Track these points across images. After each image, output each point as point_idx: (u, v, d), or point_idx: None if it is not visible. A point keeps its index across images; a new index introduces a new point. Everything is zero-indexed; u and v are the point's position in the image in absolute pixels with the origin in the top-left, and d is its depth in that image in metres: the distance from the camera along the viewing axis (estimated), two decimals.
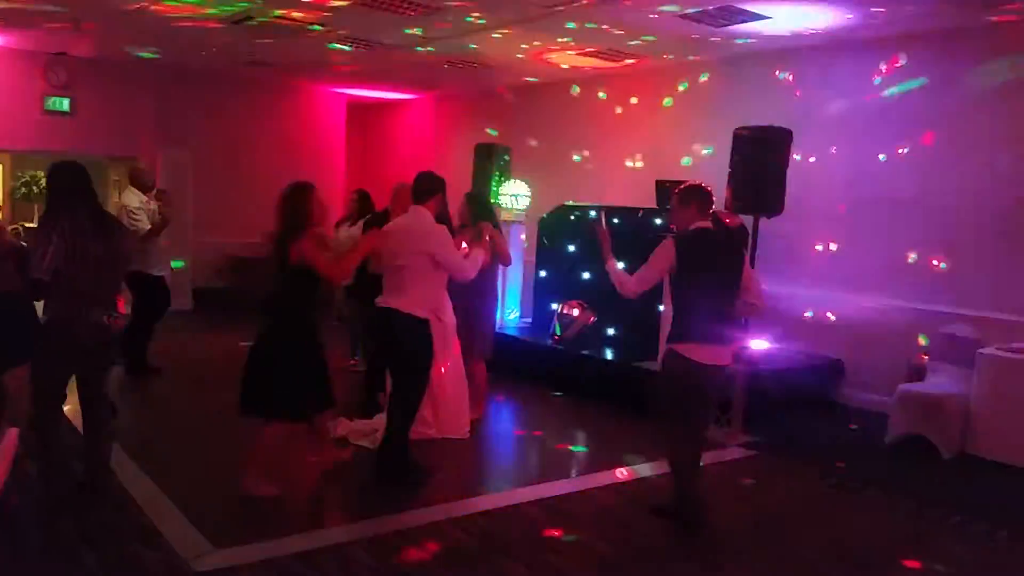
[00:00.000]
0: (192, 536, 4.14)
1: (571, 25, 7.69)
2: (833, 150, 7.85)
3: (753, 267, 6.36)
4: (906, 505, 5.19)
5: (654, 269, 4.40)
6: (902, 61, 7.39)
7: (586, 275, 8.40)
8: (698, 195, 4.46)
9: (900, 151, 7.40)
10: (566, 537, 4.40)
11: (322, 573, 3.82)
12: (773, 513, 5.00)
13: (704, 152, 8.74)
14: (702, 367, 4.28)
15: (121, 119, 11.45)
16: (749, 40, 7.91)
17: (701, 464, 4.65)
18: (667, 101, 9.52)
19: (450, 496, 4.91)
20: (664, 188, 7.60)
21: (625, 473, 5.55)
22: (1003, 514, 5.07)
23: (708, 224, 4.43)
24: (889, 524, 4.90)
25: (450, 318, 5.73)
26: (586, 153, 10.48)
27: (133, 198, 7.34)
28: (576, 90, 10.58)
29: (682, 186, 4.57)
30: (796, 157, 7.07)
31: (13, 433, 3.63)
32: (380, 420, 5.54)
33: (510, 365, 7.85)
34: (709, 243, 4.40)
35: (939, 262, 7.13)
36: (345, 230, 7.89)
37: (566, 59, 9.37)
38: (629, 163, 9.89)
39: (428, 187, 5.11)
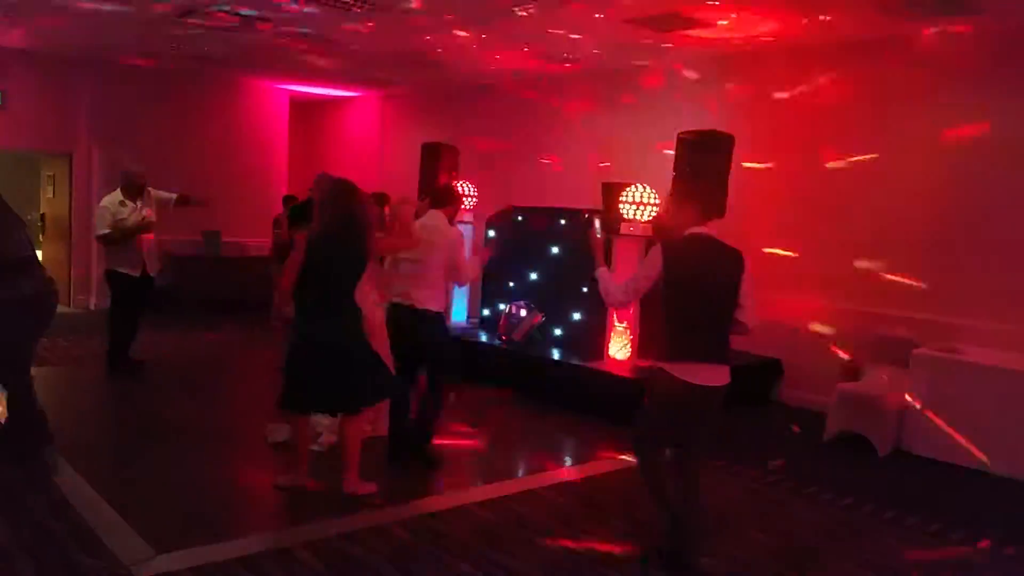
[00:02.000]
0: (134, 542, 4.04)
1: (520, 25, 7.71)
2: (777, 155, 8.02)
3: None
4: (842, 501, 5.34)
5: (642, 278, 4.01)
6: (839, 70, 7.61)
7: (533, 276, 8.46)
8: (701, 196, 4.16)
9: (841, 157, 7.60)
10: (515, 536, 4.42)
11: None
12: (710, 512, 5.07)
13: (650, 155, 8.84)
14: (697, 389, 3.87)
15: (54, 114, 11.10)
16: (695, 45, 8.04)
17: (696, 505, 4.16)
18: (611, 104, 9.63)
19: (397, 499, 4.88)
20: (610, 190, 7.66)
21: (573, 472, 5.59)
22: (935, 508, 5.26)
23: (705, 230, 3.98)
24: (825, 520, 5.03)
25: (381, 314, 5.69)
26: (534, 155, 10.51)
27: (112, 197, 7.43)
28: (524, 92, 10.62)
29: (679, 183, 4.33)
30: (745, 165, 7.22)
31: None
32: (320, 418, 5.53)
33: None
34: (704, 252, 3.95)
35: (877, 266, 7.34)
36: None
37: (516, 60, 9.39)
38: (576, 165, 9.97)
39: (447, 196, 5.62)
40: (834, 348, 7.44)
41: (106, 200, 7.47)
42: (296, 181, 13.60)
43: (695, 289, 3.88)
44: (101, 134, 11.30)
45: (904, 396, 6.47)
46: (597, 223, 4.74)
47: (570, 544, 4.37)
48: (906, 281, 7.14)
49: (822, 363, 7.45)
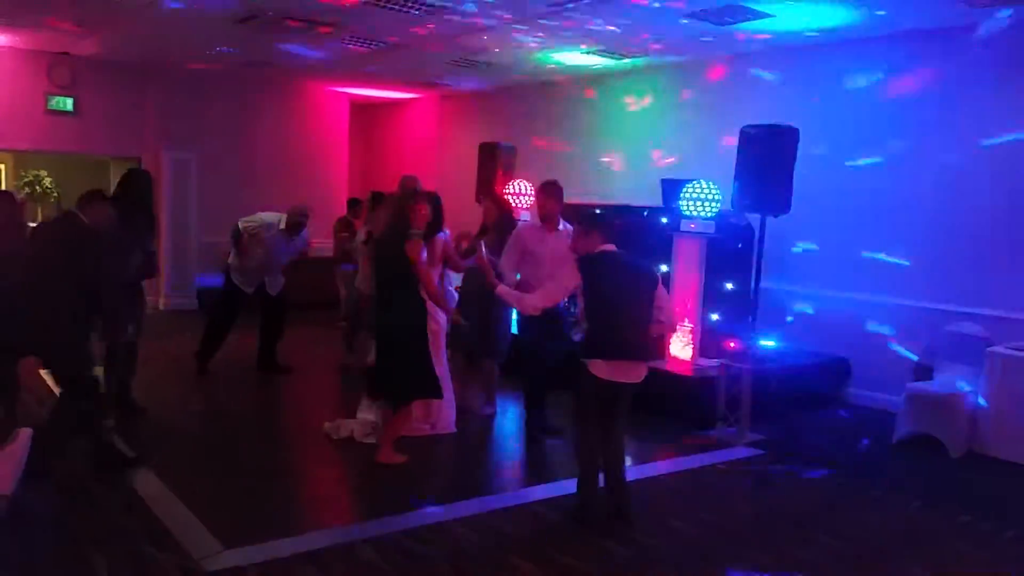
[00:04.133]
0: (202, 537, 4.13)
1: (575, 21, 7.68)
2: (838, 149, 7.83)
3: (760, 269, 6.42)
4: (913, 504, 5.18)
5: (559, 286, 4.72)
6: (902, 60, 7.39)
7: None
8: (598, 223, 4.69)
9: (907, 149, 7.38)
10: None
11: (329, 572, 3.81)
12: (777, 511, 4.98)
13: (711, 151, 8.72)
14: (605, 384, 4.42)
15: (124, 119, 11.45)
16: (755, 38, 7.90)
17: (622, 477, 4.66)
18: (672, 99, 9.53)
19: (454, 496, 4.90)
20: (671, 186, 7.58)
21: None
22: (1010, 513, 5.07)
23: (611, 247, 4.57)
24: (895, 523, 4.88)
25: (442, 318, 5.88)
26: (593, 151, 10.47)
27: (273, 218, 7.59)
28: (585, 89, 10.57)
29: (583, 216, 4.89)
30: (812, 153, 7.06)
31: (25, 434, 3.63)
32: (369, 413, 5.80)
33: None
34: (612, 264, 4.53)
35: (947, 261, 7.12)
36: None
37: (572, 57, 9.36)
38: (635, 162, 9.89)
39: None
40: (905, 347, 7.23)
41: (268, 216, 7.59)
42: (356, 183, 13.80)
43: (607, 295, 4.45)
44: (169, 138, 11.60)
45: (976, 396, 6.25)
46: (483, 246, 5.49)
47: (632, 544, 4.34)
48: (979, 277, 6.90)
49: (893, 362, 7.25)
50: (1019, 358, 6.09)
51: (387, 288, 5.28)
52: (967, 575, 4.23)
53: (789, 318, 8.09)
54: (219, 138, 12.00)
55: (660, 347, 5.43)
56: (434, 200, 5.64)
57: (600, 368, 4.41)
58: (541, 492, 5.06)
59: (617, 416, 4.60)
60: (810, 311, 8.00)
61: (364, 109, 14.46)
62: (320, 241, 12.01)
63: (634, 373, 4.48)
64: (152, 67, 11.33)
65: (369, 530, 4.33)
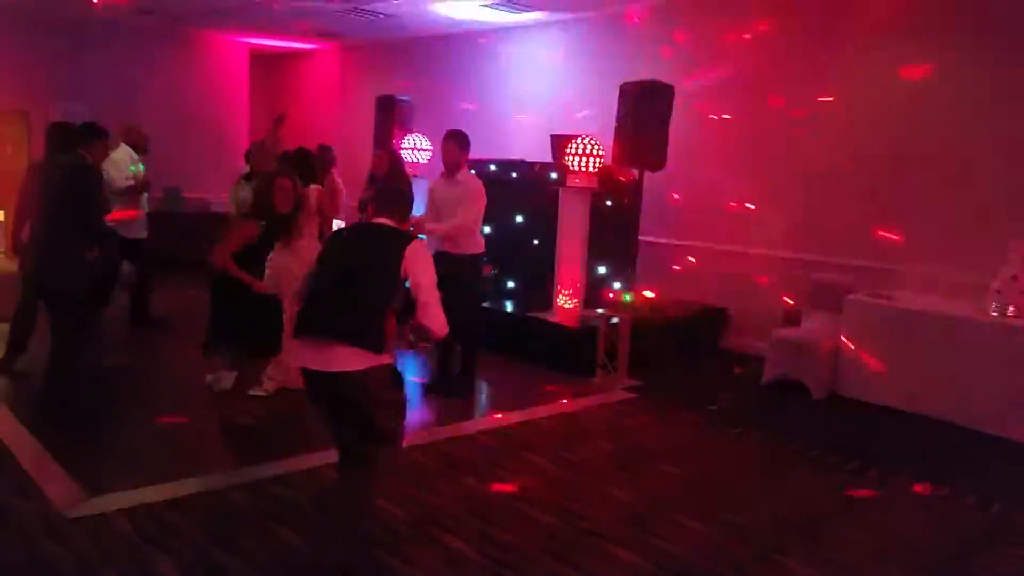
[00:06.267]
0: (68, 486, 4.17)
1: None
2: (715, 107, 8.11)
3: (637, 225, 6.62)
4: (772, 440, 5.55)
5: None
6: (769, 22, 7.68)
7: (487, 229, 8.51)
8: (379, 197, 4.01)
9: (779, 108, 7.70)
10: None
11: (191, 517, 3.92)
12: (641, 448, 5.28)
13: (590, 108, 8.89)
14: (306, 374, 3.39)
15: (8, 72, 10.98)
16: None
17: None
18: (566, 54, 9.66)
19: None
20: (559, 141, 7.74)
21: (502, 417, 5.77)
22: (858, 448, 5.48)
23: (375, 220, 3.65)
24: (752, 457, 5.24)
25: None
26: (484, 106, 10.54)
27: (122, 152, 7.41)
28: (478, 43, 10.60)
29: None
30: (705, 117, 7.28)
31: None
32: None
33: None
34: (352, 233, 3.74)
35: (813, 213, 7.49)
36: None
37: (466, 11, 9.37)
38: (522, 117, 10.01)
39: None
40: (776, 296, 7.63)
41: (117, 154, 7.32)
42: (258, 136, 13.53)
43: (320, 264, 3.54)
44: (59, 92, 11.16)
45: (836, 341, 6.66)
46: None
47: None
48: (841, 227, 7.30)
49: (766, 311, 7.64)
50: (873, 304, 6.52)
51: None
52: (808, 501, 4.59)
53: (676, 267, 8.42)
54: (114, 91, 11.59)
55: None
56: (303, 155, 5.68)
57: (293, 353, 3.49)
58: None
59: (330, 416, 3.54)
60: (691, 263, 8.34)
61: (267, 60, 14.15)
62: (220, 197, 11.88)
63: (324, 360, 3.26)
64: (37, 18, 10.86)
65: (241, 476, 4.42)
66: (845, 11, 7.25)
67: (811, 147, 7.46)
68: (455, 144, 6.01)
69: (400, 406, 3.63)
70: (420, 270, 3.38)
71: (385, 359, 3.36)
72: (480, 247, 6.07)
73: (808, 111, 7.46)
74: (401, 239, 3.45)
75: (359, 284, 3.33)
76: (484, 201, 5.94)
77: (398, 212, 3.69)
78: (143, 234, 7.59)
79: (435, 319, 3.42)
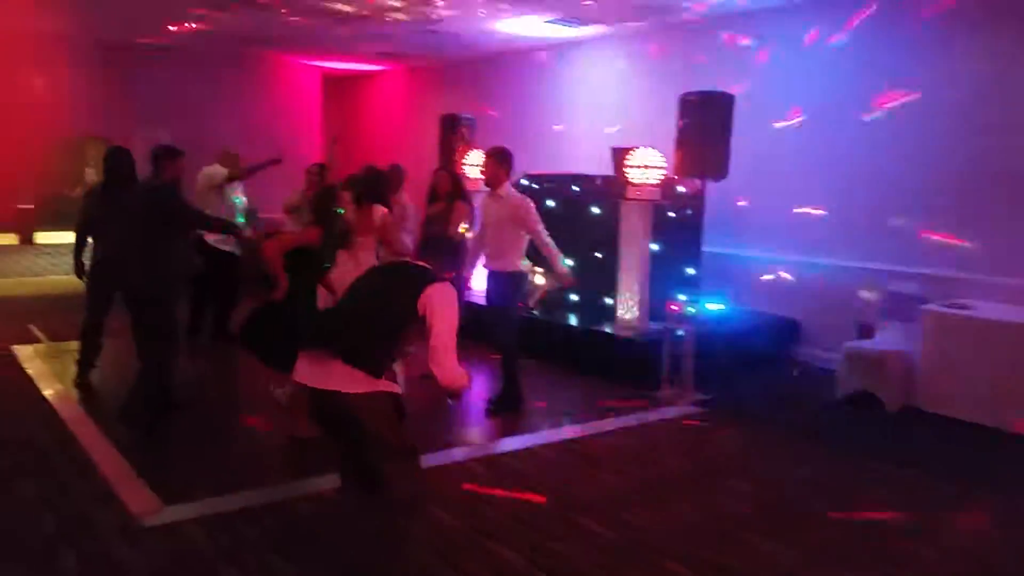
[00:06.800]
0: (145, 495, 4.33)
1: None
2: (784, 115, 7.97)
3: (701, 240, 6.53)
4: (846, 456, 5.40)
5: None
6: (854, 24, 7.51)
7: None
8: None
9: (849, 114, 7.53)
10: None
11: (262, 527, 4.02)
12: (713, 464, 5.20)
13: (654, 118, 8.83)
14: (305, 391, 3.31)
15: (89, 100, 11.50)
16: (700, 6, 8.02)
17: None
18: (624, 68, 9.65)
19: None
20: (619, 154, 7.71)
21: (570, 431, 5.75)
22: (936, 463, 5.28)
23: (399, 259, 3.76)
24: (826, 474, 5.11)
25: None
26: (549, 122, 10.59)
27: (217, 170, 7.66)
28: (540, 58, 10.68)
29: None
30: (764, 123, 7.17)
31: None
32: None
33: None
34: (384, 268, 3.72)
35: (888, 222, 7.29)
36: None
37: (529, 27, 9.47)
38: (589, 131, 10.02)
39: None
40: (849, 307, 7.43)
41: (209, 170, 7.57)
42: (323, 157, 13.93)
43: (347, 292, 3.49)
44: (140, 119, 11.63)
45: (911, 353, 6.45)
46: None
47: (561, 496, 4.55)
48: (918, 237, 7.08)
49: (838, 322, 7.44)
50: (950, 315, 6.29)
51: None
52: (871, 517, 4.44)
53: (744, 278, 8.28)
54: (193, 116, 12.05)
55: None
56: (372, 173, 5.72)
57: (298, 366, 3.32)
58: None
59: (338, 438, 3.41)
60: (761, 275, 8.19)
61: (337, 82, 14.52)
62: None
63: (321, 374, 3.16)
64: (117, 46, 11.37)
65: (302, 488, 4.52)
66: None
67: (887, 151, 7.26)
68: (493, 160, 6.04)
69: (408, 454, 3.24)
70: (438, 312, 3.14)
71: (383, 386, 3.16)
72: (516, 266, 6.06)
73: (884, 114, 7.28)
74: (425, 275, 3.26)
75: (368, 309, 3.25)
76: (536, 214, 5.98)
77: (438, 263, 3.43)
78: (238, 250, 7.63)
79: (442, 365, 3.13)
